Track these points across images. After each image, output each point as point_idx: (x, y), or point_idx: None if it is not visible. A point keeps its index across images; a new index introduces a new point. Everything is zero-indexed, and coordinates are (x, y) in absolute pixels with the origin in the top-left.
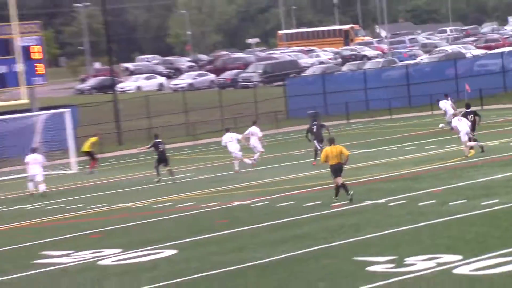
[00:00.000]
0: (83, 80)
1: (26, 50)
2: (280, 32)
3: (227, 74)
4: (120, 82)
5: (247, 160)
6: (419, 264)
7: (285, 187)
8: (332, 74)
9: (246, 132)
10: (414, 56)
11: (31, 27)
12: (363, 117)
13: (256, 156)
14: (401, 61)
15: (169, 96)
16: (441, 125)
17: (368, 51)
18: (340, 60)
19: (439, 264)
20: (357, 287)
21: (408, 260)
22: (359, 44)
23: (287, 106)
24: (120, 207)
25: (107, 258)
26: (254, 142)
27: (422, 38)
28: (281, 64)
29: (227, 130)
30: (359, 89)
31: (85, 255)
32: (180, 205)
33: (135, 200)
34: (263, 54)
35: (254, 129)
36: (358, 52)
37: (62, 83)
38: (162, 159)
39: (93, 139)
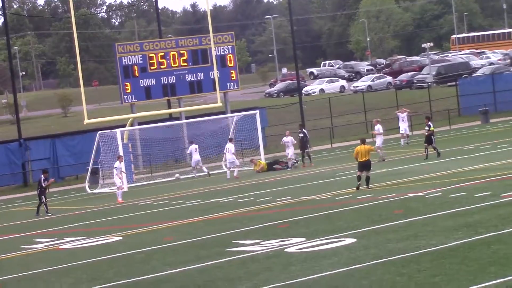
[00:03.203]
0: (271, 85)
1: (221, 59)
2: (453, 36)
3: (403, 76)
4: (305, 85)
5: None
6: None
7: (457, 179)
8: (501, 74)
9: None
10: None
11: (226, 38)
12: None
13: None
14: None
15: (349, 98)
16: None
17: None
18: (509, 61)
19: None
20: None
21: None
22: None
23: (459, 104)
24: (305, 199)
25: (292, 246)
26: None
27: None
28: (453, 65)
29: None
30: None
31: (273, 244)
32: (359, 197)
33: (318, 193)
34: (436, 57)
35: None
36: None
37: (253, 88)
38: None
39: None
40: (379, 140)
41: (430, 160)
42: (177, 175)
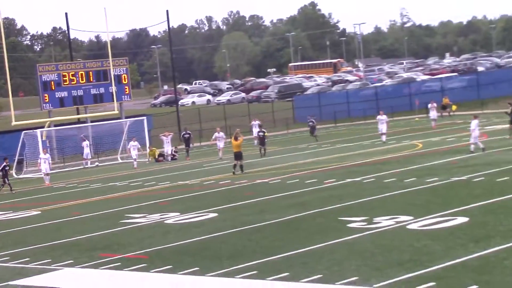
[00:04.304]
0: (155, 98)
1: (117, 77)
2: (290, 64)
3: (254, 93)
4: (181, 98)
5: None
6: (383, 222)
7: (292, 169)
8: (325, 92)
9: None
10: (380, 80)
11: (121, 62)
12: (345, 122)
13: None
14: (372, 83)
15: (214, 108)
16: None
17: (350, 77)
18: (330, 83)
19: (397, 222)
20: (341, 237)
21: (376, 219)
22: (344, 72)
23: (294, 114)
24: (180, 183)
25: (170, 218)
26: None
27: (386, 68)
28: (290, 86)
29: (133, 139)
30: (343, 102)
31: (155, 217)
32: (221, 182)
33: (190, 179)
34: (278, 79)
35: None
36: (343, 77)
37: (141, 100)
38: None
39: (151, 152)
40: (221, 144)
41: (269, 156)
42: (96, 163)
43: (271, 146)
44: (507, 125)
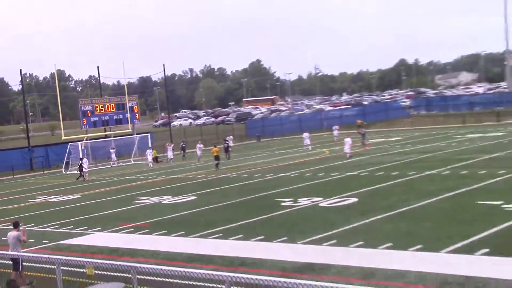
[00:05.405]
0: (156, 121)
1: (131, 108)
2: (244, 99)
3: (220, 118)
4: (173, 122)
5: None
6: (304, 202)
7: (245, 168)
8: (267, 118)
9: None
10: (302, 110)
11: (133, 98)
12: (280, 137)
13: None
14: (297, 112)
15: (194, 128)
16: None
17: (282, 108)
18: (270, 111)
19: (312, 202)
20: (277, 212)
21: (299, 200)
22: (278, 104)
23: (246, 132)
24: (172, 177)
25: (165, 200)
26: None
27: (306, 102)
28: (244, 113)
29: (149, 148)
30: (278, 124)
31: (155, 199)
32: (199, 176)
33: (179, 174)
34: (236, 109)
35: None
36: (278, 108)
37: (147, 122)
38: None
39: (153, 152)
40: (200, 152)
41: (232, 159)
42: (121, 163)
43: (233, 153)
44: (375, 140)
